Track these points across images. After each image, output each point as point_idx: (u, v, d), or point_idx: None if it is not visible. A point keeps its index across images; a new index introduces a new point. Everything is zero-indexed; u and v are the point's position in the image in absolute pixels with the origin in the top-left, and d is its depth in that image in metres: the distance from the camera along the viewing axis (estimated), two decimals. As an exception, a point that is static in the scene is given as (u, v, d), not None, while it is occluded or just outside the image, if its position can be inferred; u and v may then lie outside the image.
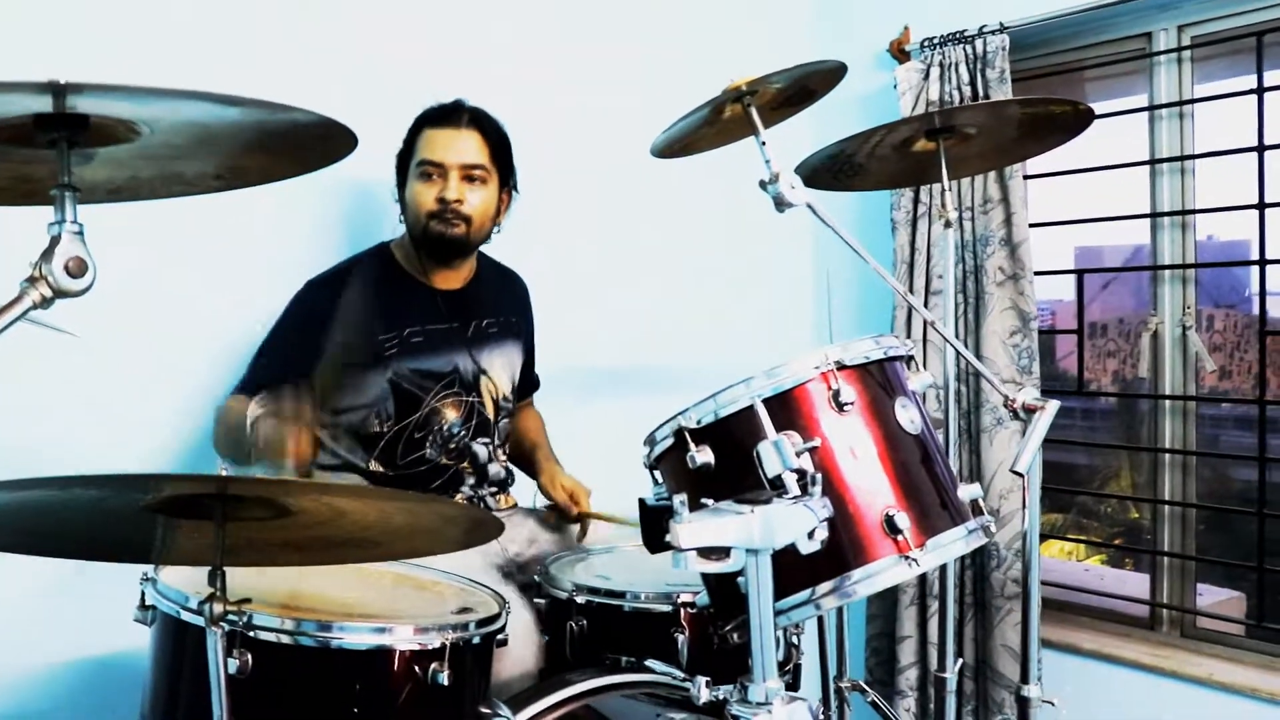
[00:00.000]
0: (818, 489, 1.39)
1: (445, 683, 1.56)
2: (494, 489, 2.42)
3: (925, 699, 3.10)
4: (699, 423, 1.53)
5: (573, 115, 2.94)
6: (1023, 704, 1.88)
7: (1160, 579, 2.99)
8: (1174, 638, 2.97)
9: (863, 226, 3.25)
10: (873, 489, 1.50)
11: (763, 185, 1.63)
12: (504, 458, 2.46)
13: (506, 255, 2.57)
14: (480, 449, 2.38)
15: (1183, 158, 2.89)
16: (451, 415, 2.33)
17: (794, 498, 1.39)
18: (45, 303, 1.11)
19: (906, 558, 1.46)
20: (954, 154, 2.12)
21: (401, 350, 2.28)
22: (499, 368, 2.44)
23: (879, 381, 1.57)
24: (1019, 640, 2.92)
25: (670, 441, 1.57)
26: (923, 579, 3.06)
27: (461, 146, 2.29)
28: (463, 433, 2.35)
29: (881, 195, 3.22)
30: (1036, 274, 2.98)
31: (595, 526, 2.43)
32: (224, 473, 1.27)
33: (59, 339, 1.67)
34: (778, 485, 1.42)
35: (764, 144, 1.66)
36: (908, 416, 1.57)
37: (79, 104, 1.05)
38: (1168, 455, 2.95)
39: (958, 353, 1.79)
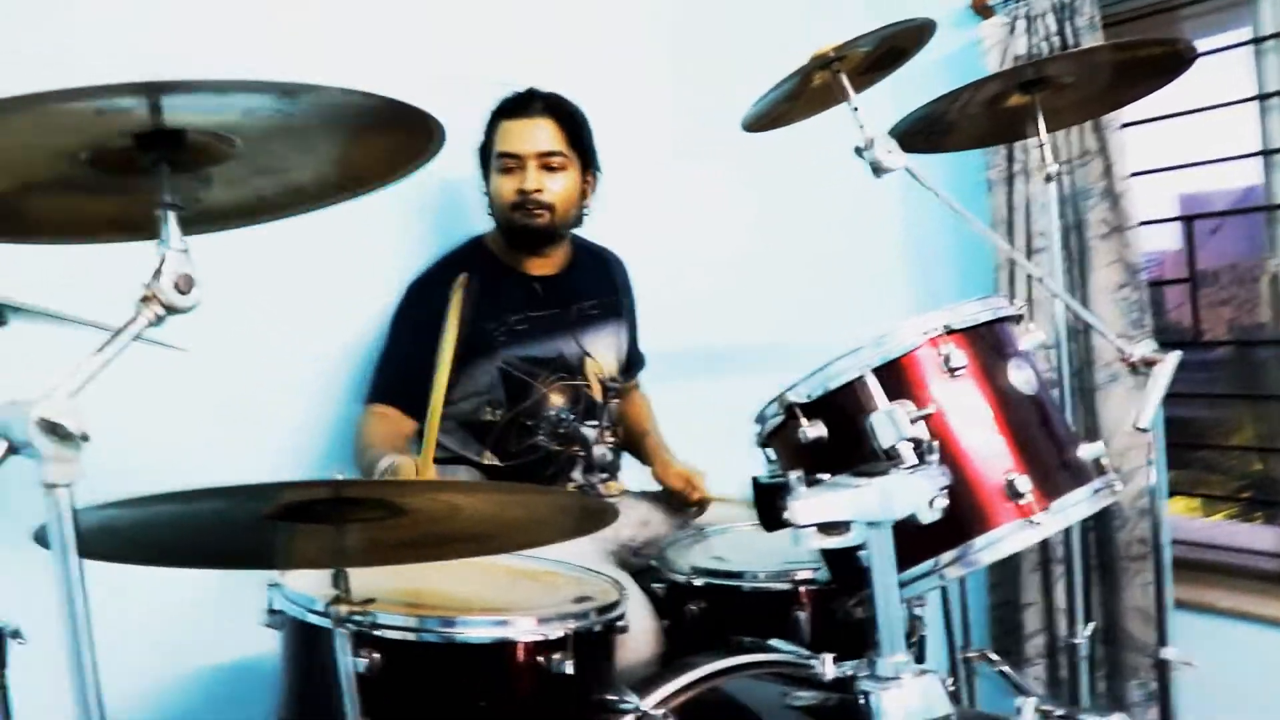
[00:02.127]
0: (934, 457, 1.36)
1: (569, 672, 1.56)
2: (603, 474, 2.43)
3: (1054, 666, 3.03)
4: (809, 397, 1.51)
5: (652, 93, 2.92)
6: (1161, 667, 1.81)
7: (1294, 532, 2.88)
8: (1313, 592, 2.85)
9: (952, 189, 3.16)
10: (991, 454, 1.46)
11: (858, 151, 1.60)
12: (611, 440, 2.46)
13: (598, 238, 2.57)
14: (589, 431, 2.39)
15: (1292, 91, 2.76)
16: (559, 400, 2.35)
17: (911, 467, 1.37)
18: (158, 321, 1.13)
19: (1030, 521, 1.43)
20: (1048, 106, 2.05)
21: (509, 338, 2.31)
22: (603, 349, 2.45)
23: (990, 343, 1.53)
24: (1149, 602, 2.85)
25: (780, 418, 1.55)
26: (1044, 543, 2.99)
27: (536, 136, 2.30)
28: (571, 417, 2.36)
29: (970, 156, 3.14)
30: (1141, 224, 2.88)
31: (713, 506, 2.41)
32: (338, 477, 1.29)
33: (172, 359, 1.72)
34: (893, 456, 1.39)
35: (856, 109, 1.63)
36: (1022, 377, 1.52)
37: (172, 107, 1.06)
38: (1295, 402, 2.83)
39: (1069, 308, 1.74)
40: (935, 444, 1.36)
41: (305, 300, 2.40)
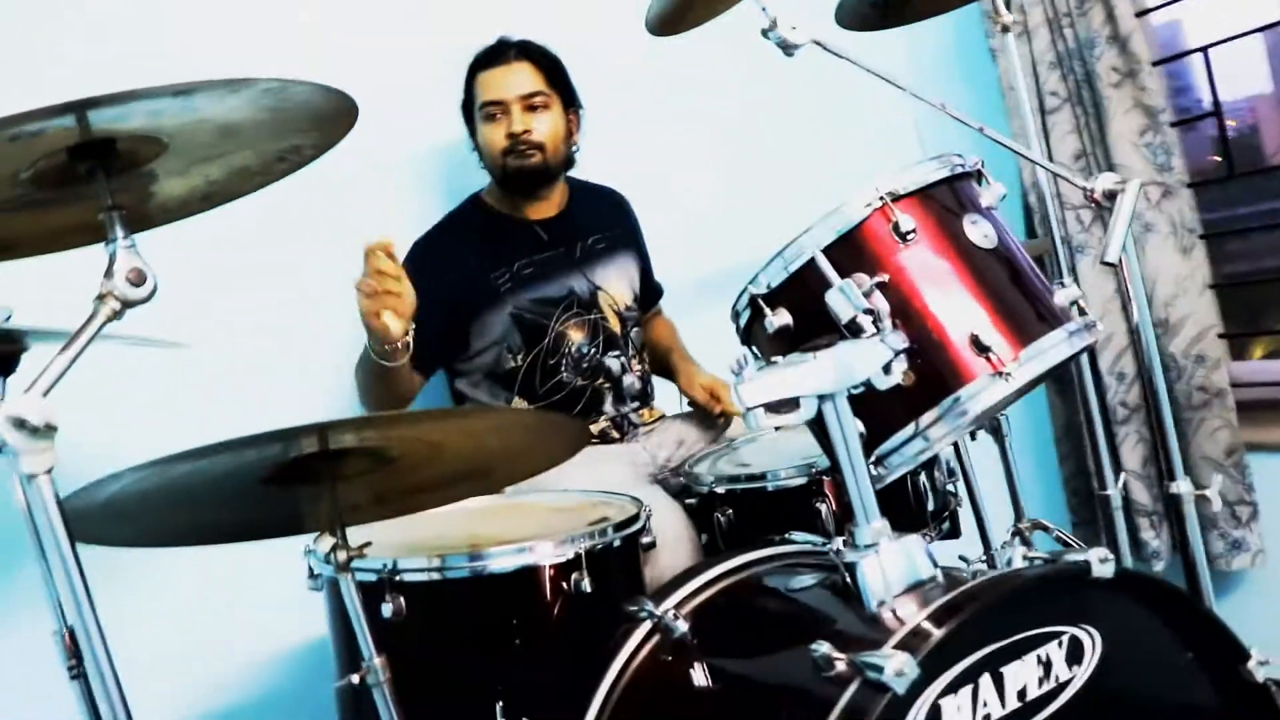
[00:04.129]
0: (887, 324, 1.37)
1: (588, 590, 1.61)
2: (635, 404, 2.46)
3: (1134, 527, 2.98)
4: (769, 286, 1.51)
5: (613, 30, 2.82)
6: (1172, 502, 1.76)
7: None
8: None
9: (964, 60, 3.10)
10: (954, 312, 1.44)
11: (765, 34, 1.58)
12: (639, 369, 2.49)
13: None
14: (613, 363, 2.42)
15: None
16: (577, 336, 2.38)
17: (871, 338, 1.37)
18: (117, 315, 1.19)
19: (1001, 374, 1.41)
20: (1010, -44, 1.98)
21: (515, 284, 2.35)
22: (615, 280, 2.48)
23: (942, 204, 1.51)
24: (1218, 450, 2.79)
25: (750, 311, 1.55)
26: (1105, 408, 2.93)
27: (515, 79, 2.34)
28: (593, 350, 2.40)
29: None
30: (1157, 64, 2.77)
31: (737, 420, 2.42)
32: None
33: (180, 355, 1.79)
34: (856, 330, 1.40)
35: (754, -6, 1.60)
36: (980, 233, 1.50)
37: (100, 120, 1.12)
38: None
39: (1029, 160, 1.70)
40: (887, 311, 1.37)
41: (318, 279, 2.42)
